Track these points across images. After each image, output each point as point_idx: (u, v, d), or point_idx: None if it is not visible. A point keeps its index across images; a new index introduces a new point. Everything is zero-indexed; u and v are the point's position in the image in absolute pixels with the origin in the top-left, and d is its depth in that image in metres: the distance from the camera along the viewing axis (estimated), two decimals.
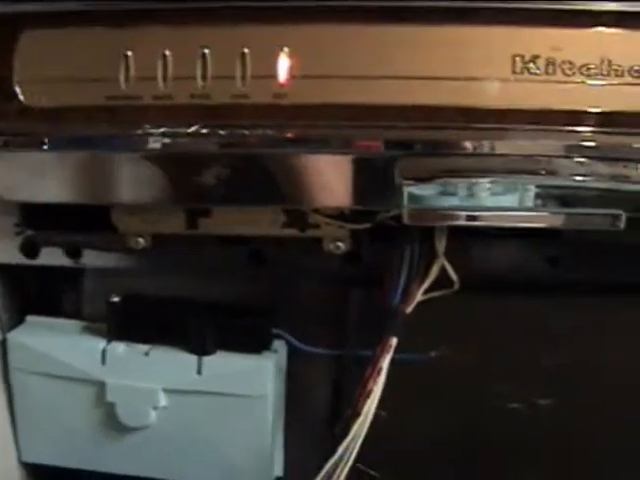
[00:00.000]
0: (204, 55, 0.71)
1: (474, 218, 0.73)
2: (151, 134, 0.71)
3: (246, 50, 0.70)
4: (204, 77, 0.71)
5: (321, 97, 0.70)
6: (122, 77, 0.72)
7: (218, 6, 0.73)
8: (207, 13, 0.72)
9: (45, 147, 0.73)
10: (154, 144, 0.72)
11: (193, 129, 0.71)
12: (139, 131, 0.72)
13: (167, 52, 0.71)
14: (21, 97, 0.74)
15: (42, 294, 0.92)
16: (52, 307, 0.92)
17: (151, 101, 0.72)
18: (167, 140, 0.71)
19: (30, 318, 0.90)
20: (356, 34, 0.71)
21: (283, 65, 0.70)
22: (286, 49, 0.70)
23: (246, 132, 0.71)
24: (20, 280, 0.91)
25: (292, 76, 0.70)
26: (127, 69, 0.71)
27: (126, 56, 0.72)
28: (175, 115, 0.71)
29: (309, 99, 0.70)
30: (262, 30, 0.71)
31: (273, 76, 0.70)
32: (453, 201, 0.72)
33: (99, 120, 0.73)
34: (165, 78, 0.71)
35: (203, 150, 0.72)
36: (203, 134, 0.71)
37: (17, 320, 0.90)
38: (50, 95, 0.73)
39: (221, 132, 0.71)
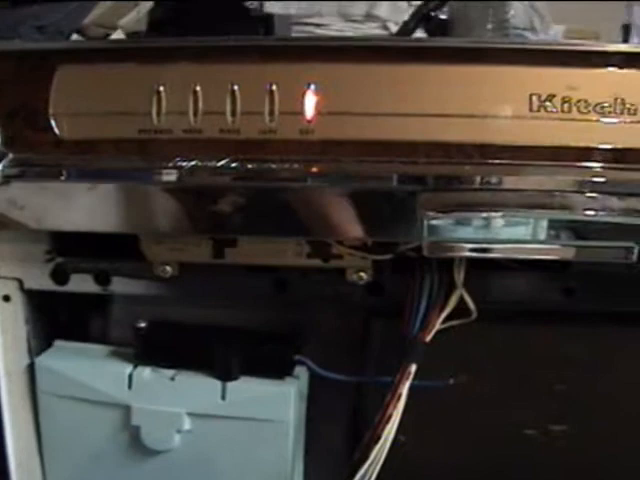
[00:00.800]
0: (233, 91, 0.74)
1: (491, 250, 0.75)
2: (181, 167, 0.75)
3: (274, 87, 0.74)
4: (233, 112, 0.74)
5: (345, 133, 0.73)
6: (154, 111, 0.75)
7: (247, 44, 0.77)
8: (237, 51, 0.76)
9: (77, 178, 0.77)
10: (183, 176, 0.75)
11: (222, 163, 0.74)
12: (170, 164, 0.75)
13: (198, 88, 0.74)
14: (56, 129, 0.77)
15: (70, 319, 0.95)
16: (79, 332, 0.94)
17: (182, 135, 0.75)
18: (196, 173, 0.75)
19: (58, 343, 0.93)
20: (379, 73, 0.74)
21: (310, 102, 0.74)
22: (312, 86, 0.74)
23: (273, 166, 0.74)
24: (49, 306, 0.93)
25: (318, 112, 0.73)
26: (159, 104, 0.75)
27: (158, 91, 0.75)
28: (205, 149, 0.74)
29: (334, 135, 0.73)
30: (289, 68, 0.74)
31: (300, 112, 0.73)
32: (471, 234, 0.74)
33: (131, 152, 0.76)
34: (196, 113, 0.74)
35: (231, 183, 0.75)
36: (232, 167, 0.74)
37: (45, 345, 0.92)
38: (84, 128, 0.77)
39: (249, 166, 0.74)
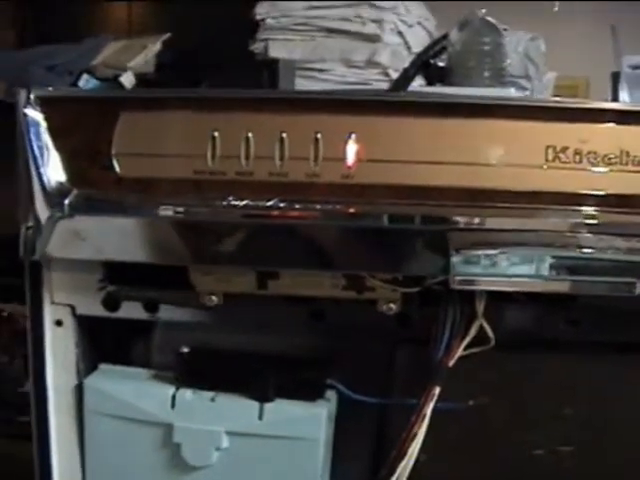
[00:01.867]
0: (282, 139, 0.83)
1: (509, 284, 0.84)
2: (234, 206, 0.82)
3: (319, 135, 0.82)
4: (281, 157, 0.83)
5: (382, 178, 0.82)
6: (209, 154, 0.83)
7: (296, 97, 0.85)
8: (286, 102, 0.84)
9: (136, 213, 0.84)
10: (234, 215, 0.83)
11: (271, 203, 0.82)
12: (223, 202, 0.83)
13: (249, 134, 0.83)
14: (117, 169, 0.85)
15: (115, 344, 1.02)
16: (123, 356, 1.01)
17: (234, 176, 0.83)
18: (246, 211, 0.83)
19: (103, 366, 0.99)
20: (414, 125, 0.83)
21: (351, 150, 0.82)
22: (353, 136, 0.82)
23: (317, 207, 0.82)
24: (95, 331, 1.00)
25: (358, 159, 0.82)
26: (214, 148, 0.83)
27: (213, 137, 0.83)
28: (255, 190, 0.83)
29: (372, 180, 0.82)
30: (333, 119, 0.83)
31: (342, 159, 0.82)
32: (492, 269, 0.83)
33: (186, 191, 0.84)
34: (247, 157, 0.83)
35: (277, 221, 0.83)
36: (279, 207, 0.82)
37: (91, 368, 0.99)
38: (143, 167, 0.85)
39: (296, 206, 0.82)
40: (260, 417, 0.93)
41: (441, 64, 1.50)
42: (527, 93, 1.52)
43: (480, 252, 0.82)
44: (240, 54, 2.05)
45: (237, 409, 0.94)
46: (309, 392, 0.94)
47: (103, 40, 2.01)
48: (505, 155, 0.82)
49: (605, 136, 0.82)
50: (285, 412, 0.94)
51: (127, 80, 1.87)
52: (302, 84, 1.71)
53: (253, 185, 0.83)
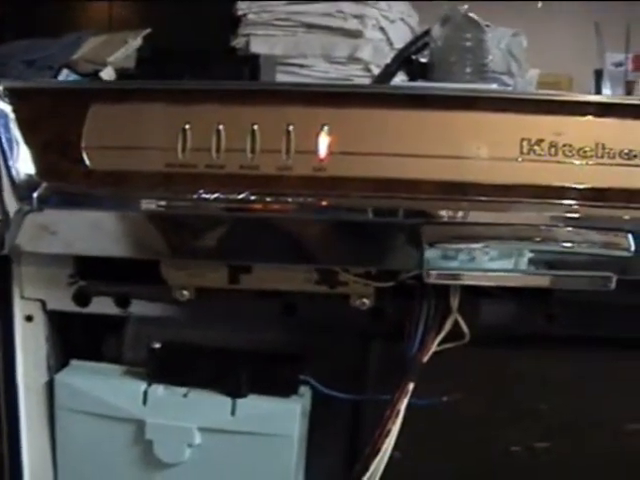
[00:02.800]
0: (253, 131, 0.81)
1: (483, 278, 0.83)
2: (204, 199, 0.81)
3: (291, 128, 0.81)
4: (253, 150, 0.82)
5: (354, 171, 0.81)
6: (180, 147, 0.82)
7: (267, 89, 0.84)
8: (257, 94, 0.83)
9: (106, 207, 0.83)
10: (205, 208, 0.82)
11: (242, 196, 0.81)
12: (193, 196, 0.81)
13: (221, 127, 0.82)
14: (87, 162, 0.83)
15: (86, 340, 1.00)
16: (95, 352, 1.00)
17: (205, 169, 0.82)
18: (217, 205, 0.81)
19: (74, 362, 0.98)
20: (386, 117, 0.82)
21: (323, 142, 0.81)
22: (326, 128, 0.81)
23: (288, 200, 0.81)
24: (66, 326, 0.98)
25: (331, 152, 0.81)
26: (185, 140, 0.82)
27: (184, 129, 0.82)
28: (226, 183, 0.82)
29: (345, 173, 0.81)
30: (305, 111, 0.82)
31: (314, 152, 0.81)
32: (466, 263, 0.82)
33: (157, 185, 0.83)
34: (218, 150, 0.82)
35: (249, 215, 0.82)
36: (250, 200, 0.81)
37: (62, 363, 0.98)
38: (113, 160, 0.84)
39: (267, 199, 0.81)
40: (233, 413, 0.92)
41: (423, 60, 1.50)
42: (510, 89, 1.51)
43: (454, 246, 0.81)
44: (221, 50, 2.04)
45: (209, 405, 0.93)
46: (282, 388, 0.93)
47: (83, 35, 1.99)
48: (480, 148, 0.81)
49: (581, 129, 0.81)
50: (258, 408, 0.92)
51: (107, 75, 1.85)
52: (283, 80, 1.70)
53: (224, 178, 0.81)
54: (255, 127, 0.81)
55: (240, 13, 1.91)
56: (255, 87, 0.85)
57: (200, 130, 0.82)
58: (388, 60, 1.58)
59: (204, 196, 0.81)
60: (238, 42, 1.97)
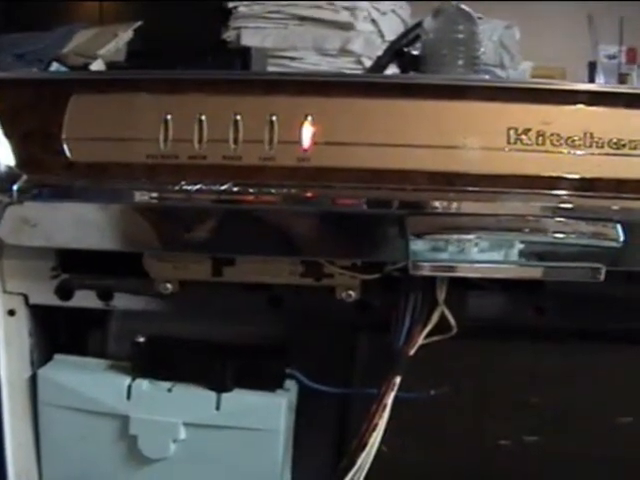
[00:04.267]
0: (236, 121, 0.80)
1: (470, 270, 0.82)
2: (186, 190, 0.80)
3: (274, 118, 0.80)
4: (235, 141, 0.80)
5: (338, 161, 0.80)
6: (162, 138, 0.80)
7: (250, 78, 0.83)
8: (240, 83, 0.82)
9: (87, 199, 0.82)
10: (188, 199, 0.80)
11: (224, 187, 0.80)
12: (175, 187, 0.80)
13: (203, 117, 0.80)
14: (67, 153, 0.82)
15: (69, 334, 0.99)
16: (78, 346, 0.99)
17: (187, 161, 0.81)
18: (200, 196, 0.80)
19: (58, 356, 0.97)
20: (371, 107, 0.80)
21: (307, 132, 0.80)
22: (310, 118, 0.80)
23: (272, 191, 0.80)
24: (50, 320, 0.97)
25: (314, 142, 0.80)
26: (166, 131, 0.80)
27: (166, 120, 0.80)
28: (208, 174, 0.80)
29: (329, 163, 0.80)
30: (289, 100, 0.81)
31: (297, 142, 0.80)
32: (452, 255, 0.81)
33: (138, 176, 0.81)
34: (200, 140, 0.80)
35: (231, 206, 0.80)
36: (233, 191, 0.80)
37: (46, 358, 0.97)
38: (94, 152, 0.82)
39: (250, 190, 0.80)
40: (218, 407, 0.91)
41: (415, 52, 1.49)
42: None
43: (440, 237, 0.80)
44: (212, 43, 2.03)
45: (194, 399, 0.92)
46: (268, 382, 0.92)
47: (74, 28, 1.98)
48: (466, 137, 0.79)
49: (569, 118, 0.80)
50: (244, 402, 0.91)
51: (97, 68, 1.84)
52: None
53: (207, 169, 0.80)
54: (238, 117, 0.80)
55: (231, 6, 1.90)
56: (238, 77, 0.84)
57: (182, 120, 0.80)
58: (379, 52, 1.56)
59: (186, 187, 0.80)
60: (229, 35, 1.96)
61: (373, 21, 1.81)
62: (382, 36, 1.81)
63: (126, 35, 1.99)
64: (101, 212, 0.82)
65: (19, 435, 0.96)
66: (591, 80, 1.73)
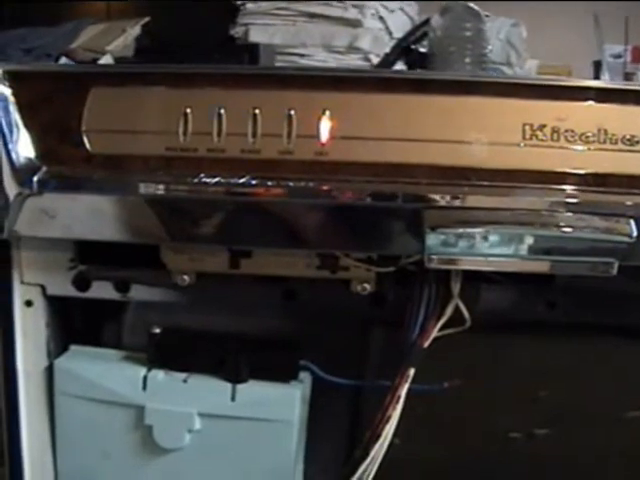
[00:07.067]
0: (255, 115, 0.81)
1: (485, 264, 0.83)
2: (205, 183, 0.81)
3: (292, 112, 0.81)
4: (254, 134, 0.81)
5: (357, 156, 0.81)
6: (181, 131, 0.82)
7: (269, 73, 0.84)
8: (259, 78, 0.83)
9: (106, 191, 0.83)
10: (206, 191, 0.81)
11: (243, 180, 0.81)
12: (194, 180, 0.81)
13: (222, 111, 0.81)
14: (87, 145, 0.83)
15: (86, 325, 1.00)
16: (94, 337, 1.00)
17: (206, 153, 0.82)
18: (218, 189, 0.81)
19: (74, 347, 0.98)
20: (388, 102, 0.81)
21: (325, 127, 0.81)
22: (327, 112, 0.81)
23: (290, 184, 0.81)
24: (66, 311, 0.98)
25: (332, 137, 0.81)
26: (185, 124, 0.82)
27: (185, 113, 0.81)
28: (227, 167, 0.81)
29: (346, 157, 0.81)
30: (307, 95, 0.82)
31: (315, 136, 0.81)
32: (468, 249, 0.82)
33: (158, 169, 0.82)
34: (219, 134, 0.81)
35: (250, 199, 0.81)
36: (251, 184, 0.81)
37: (62, 349, 0.98)
38: (114, 144, 0.83)
39: (269, 183, 0.81)
40: (233, 398, 0.92)
41: (422, 50, 1.49)
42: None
43: (455, 231, 0.81)
44: (220, 39, 2.03)
45: (209, 390, 0.93)
46: (282, 373, 0.93)
47: (82, 23, 1.98)
48: (481, 133, 0.80)
49: (583, 114, 0.81)
50: (258, 393, 0.92)
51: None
52: None
53: (225, 162, 0.81)
54: (256, 111, 0.81)
55: (239, 2, 1.90)
56: (256, 71, 0.85)
57: (201, 114, 0.81)
58: (387, 49, 1.57)
59: (205, 180, 0.81)
60: (237, 31, 1.96)
61: (381, 18, 1.81)
62: (390, 33, 1.81)
63: (134, 31, 1.99)
64: (119, 204, 0.84)
65: (35, 425, 0.97)
66: (597, 79, 1.74)
